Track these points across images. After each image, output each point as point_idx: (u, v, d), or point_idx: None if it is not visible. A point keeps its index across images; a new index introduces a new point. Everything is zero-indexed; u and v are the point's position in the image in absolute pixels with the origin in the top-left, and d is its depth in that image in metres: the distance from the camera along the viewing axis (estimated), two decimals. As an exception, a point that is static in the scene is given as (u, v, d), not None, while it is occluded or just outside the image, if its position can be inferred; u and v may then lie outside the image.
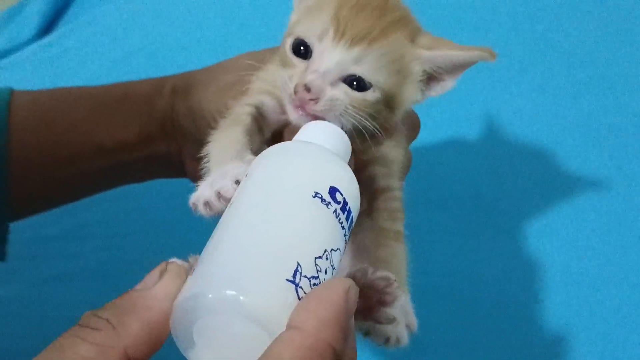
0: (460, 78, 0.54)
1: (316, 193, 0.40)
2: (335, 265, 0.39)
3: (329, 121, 0.49)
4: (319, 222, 0.39)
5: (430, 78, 0.53)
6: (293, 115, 0.50)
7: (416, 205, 0.94)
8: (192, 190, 0.69)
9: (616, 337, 0.83)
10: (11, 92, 0.68)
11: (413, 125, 0.59)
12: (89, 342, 0.34)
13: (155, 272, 0.37)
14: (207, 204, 0.45)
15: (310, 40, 0.50)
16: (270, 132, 0.54)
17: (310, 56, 0.50)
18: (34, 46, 1.29)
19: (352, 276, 0.48)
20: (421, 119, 1.01)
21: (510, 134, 1.02)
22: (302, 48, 0.50)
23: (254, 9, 1.22)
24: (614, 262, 0.88)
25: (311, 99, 0.48)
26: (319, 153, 0.44)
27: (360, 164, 0.53)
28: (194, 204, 0.46)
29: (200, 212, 0.45)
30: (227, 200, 0.43)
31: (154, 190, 0.90)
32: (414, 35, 0.52)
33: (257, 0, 1.24)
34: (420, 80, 0.53)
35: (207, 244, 0.38)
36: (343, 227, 0.40)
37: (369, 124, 0.50)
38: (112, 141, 0.66)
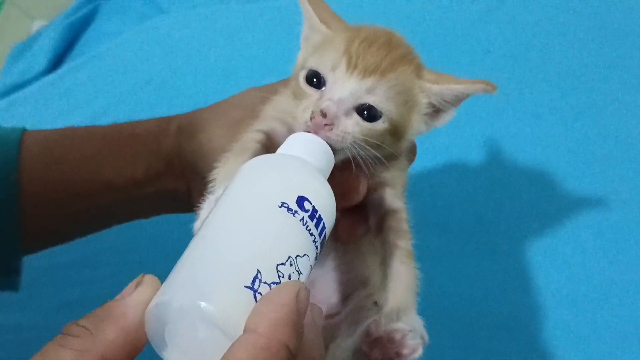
0: (460, 105, 0.57)
1: (282, 203, 0.41)
2: (303, 270, 0.41)
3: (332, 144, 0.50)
4: (283, 231, 0.41)
5: (436, 110, 0.56)
6: None
7: (418, 228, 0.95)
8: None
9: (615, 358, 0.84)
10: (23, 131, 0.70)
11: (411, 148, 0.61)
12: (68, 348, 0.36)
13: (132, 284, 0.40)
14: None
15: (324, 71, 0.52)
16: None
17: (324, 86, 0.52)
18: (45, 80, 1.31)
19: (367, 330, 0.51)
20: (423, 146, 1.02)
21: (509, 159, 1.03)
22: (314, 80, 0.52)
23: (257, 42, 1.24)
24: (612, 282, 0.89)
25: (326, 124, 0.49)
26: (293, 164, 0.46)
27: (369, 187, 0.56)
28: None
29: None
30: None
31: (163, 219, 0.92)
32: (419, 70, 0.54)
33: (260, 34, 1.26)
34: (426, 113, 0.55)
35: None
36: (312, 234, 0.42)
37: (373, 153, 0.52)
38: (121, 178, 0.68)
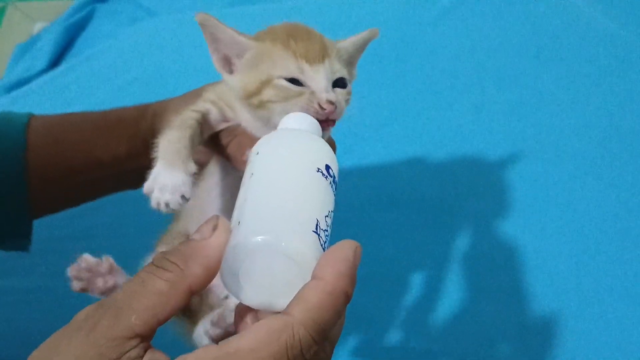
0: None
1: (318, 169, 0.47)
2: (330, 223, 0.46)
3: (333, 119, 0.57)
4: (323, 190, 0.47)
5: (349, 67, 0.63)
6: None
7: (372, 204, 1.05)
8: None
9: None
10: (30, 115, 0.78)
11: None
12: (163, 279, 0.41)
13: (209, 226, 0.44)
14: (158, 205, 0.54)
15: (296, 75, 0.57)
16: (209, 135, 0.63)
17: (304, 84, 0.57)
18: (45, 77, 1.37)
19: (216, 321, 0.57)
20: (376, 135, 1.10)
21: (451, 146, 1.11)
22: (295, 81, 0.57)
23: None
24: (533, 251, 0.97)
25: (335, 108, 0.56)
26: (312, 137, 0.51)
27: None
28: (156, 204, 0.54)
29: (154, 207, 0.54)
30: (173, 210, 0.53)
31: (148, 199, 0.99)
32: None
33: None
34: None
35: (239, 206, 0.46)
36: (335, 195, 0.48)
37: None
38: (108, 156, 0.75)
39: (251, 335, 0.40)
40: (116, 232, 1.03)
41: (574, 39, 1.26)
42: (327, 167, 0.48)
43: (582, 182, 1.06)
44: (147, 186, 0.55)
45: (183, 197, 0.54)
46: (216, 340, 0.58)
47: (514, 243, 0.99)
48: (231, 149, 0.62)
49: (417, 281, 0.96)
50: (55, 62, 1.46)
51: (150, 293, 0.41)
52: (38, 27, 1.60)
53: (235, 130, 0.63)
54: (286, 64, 0.57)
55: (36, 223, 0.80)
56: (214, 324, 0.57)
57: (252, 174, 0.47)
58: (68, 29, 1.50)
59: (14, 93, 1.36)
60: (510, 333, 0.89)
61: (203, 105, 0.62)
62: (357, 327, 0.91)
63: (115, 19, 1.52)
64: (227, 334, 0.56)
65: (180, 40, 1.38)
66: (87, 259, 0.63)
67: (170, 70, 1.31)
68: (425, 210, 1.04)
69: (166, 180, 0.54)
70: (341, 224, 0.79)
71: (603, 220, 1.00)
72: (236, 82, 0.60)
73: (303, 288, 0.41)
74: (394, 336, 0.91)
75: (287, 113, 0.56)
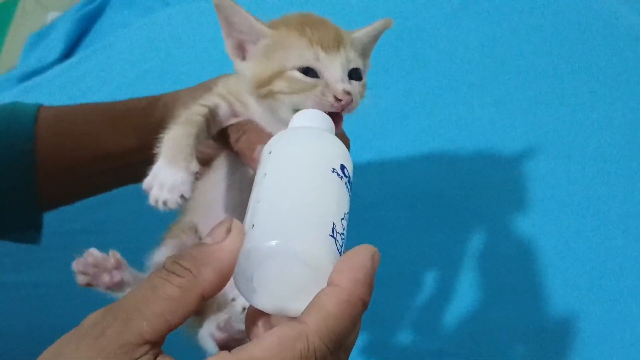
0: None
1: (333, 169, 0.45)
2: (346, 226, 0.45)
3: (347, 113, 0.55)
4: (339, 192, 0.45)
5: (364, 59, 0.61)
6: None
7: (388, 202, 1.04)
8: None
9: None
10: (39, 106, 0.78)
11: None
12: (175, 285, 0.40)
13: (222, 229, 0.43)
14: (156, 202, 0.53)
15: (312, 64, 0.55)
16: (217, 130, 0.61)
17: (319, 75, 0.55)
18: (59, 67, 1.37)
19: (223, 325, 0.56)
20: (392, 131, 1.10)
21: (470, 143, 1.09)
22: (309, 72, 0.56)
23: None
24: (551, 250, 0.96)
25: (351, 100, 0.55)
26: (326, 136, 0.50)
27: None
28: (154, 201, 0.53)
29: (152, 204, 0.53)
30: (171, 209, 0.52)
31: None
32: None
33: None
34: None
35: (252, 208, 0.44)
36: (350, 196, 0.46)
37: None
38: (117, 148, 0.75)
39: (265, 343, 0.39)
40: (127, 226, 1.02)
41: (596, 33, 1.23)
42: (342, 167, 0.46)
43: (602, 179, 1.04)
44: (146, 182, 0.54)
45: (182, 196, 0.53)
46: (220, 343, 0.57)
47: (532, 242, 0.98)
48: (240, 145, 0.61)
49: (431, 280, 0.96)
50: (68, 52, 1.45)
51: (161, 299, 0.40)
52: (51, 16, 1.60)
53: (245, 126, 0.61)
54: (301, 52, 0.56)
55: (47, 217, 0.80)
56: (220, 328, 0.56)
57: (265, 174, 0.46)
58: (82, 18, 1.49)
59: (27, 83, 1.36)
60: (527, 335, 0.89)
61: (212, 99, 0.61)
62: (370, 326, 0.90)
63: (129, 9, 1.51)
64: (232, 339, 0.56)
65: (196, 30, 1.36)
66: (94, 253, 0.62)
67: (185, 61, 1.30)
68: (441, 207, 1.03)
69: (166, 178, 0.53)
70: (355, 222, 0.78)
71: (624, 219, 0.99)
72: (248, 69, 0.59)
73: (318, 295, 0.41)
74: (407, 336, 0.90)
75: (297, 106, 0.55)
